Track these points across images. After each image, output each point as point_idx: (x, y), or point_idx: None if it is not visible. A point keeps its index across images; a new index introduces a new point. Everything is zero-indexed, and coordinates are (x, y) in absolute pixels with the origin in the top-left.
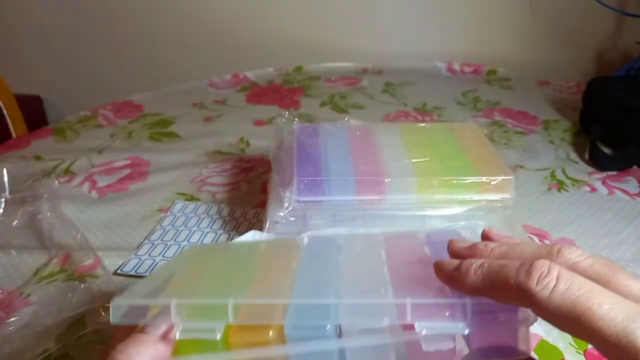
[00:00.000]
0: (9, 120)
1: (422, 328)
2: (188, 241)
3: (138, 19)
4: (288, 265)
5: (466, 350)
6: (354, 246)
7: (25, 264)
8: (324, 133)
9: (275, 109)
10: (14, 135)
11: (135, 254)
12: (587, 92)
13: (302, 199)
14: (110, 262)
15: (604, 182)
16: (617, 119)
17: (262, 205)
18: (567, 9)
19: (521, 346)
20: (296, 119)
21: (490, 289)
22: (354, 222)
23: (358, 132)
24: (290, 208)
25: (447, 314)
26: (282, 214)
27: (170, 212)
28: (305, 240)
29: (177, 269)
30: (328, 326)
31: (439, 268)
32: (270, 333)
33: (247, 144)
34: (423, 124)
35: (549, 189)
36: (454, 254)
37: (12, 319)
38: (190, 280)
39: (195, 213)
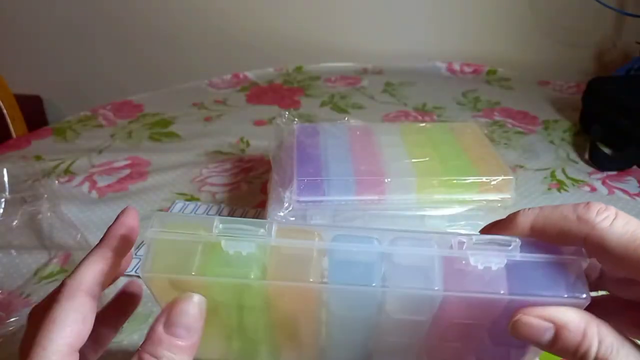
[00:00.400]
0: (9, 120)
1: (474, 256)
2: None
3: (138, 19)
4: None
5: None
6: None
7: (25, 264)
8: (324, 133)
9: (275, 109)
10: (14, 135)
11: (135, 254)
12: (587, 92)
13: (302, 199)
14: None
15: (604, 182)
16: (617, 119)
17: (262, 205)
18: (567, 9)
19: (575, 293)
20: (296, 119)
21: (543, 227)
22: (354, 222)
23: (358, 132)
24: (290, 208)
25: (496, 246)
26: (282, 214)
27: (171, 212)
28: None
29: None
30: (375, 242)
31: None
32: (316, 238)
33: (247, 144)
34: (423, 124)
35: (549, 189)
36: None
37: (12, 319)
38: None
39: (195, 213)
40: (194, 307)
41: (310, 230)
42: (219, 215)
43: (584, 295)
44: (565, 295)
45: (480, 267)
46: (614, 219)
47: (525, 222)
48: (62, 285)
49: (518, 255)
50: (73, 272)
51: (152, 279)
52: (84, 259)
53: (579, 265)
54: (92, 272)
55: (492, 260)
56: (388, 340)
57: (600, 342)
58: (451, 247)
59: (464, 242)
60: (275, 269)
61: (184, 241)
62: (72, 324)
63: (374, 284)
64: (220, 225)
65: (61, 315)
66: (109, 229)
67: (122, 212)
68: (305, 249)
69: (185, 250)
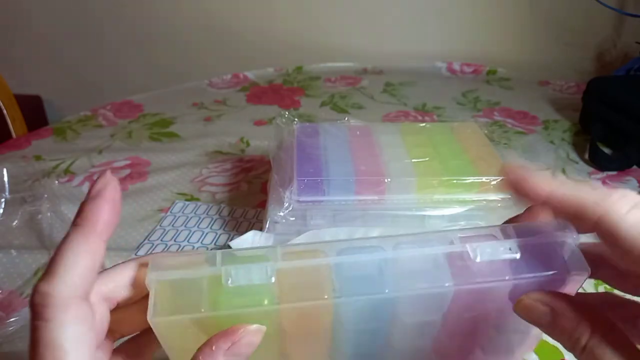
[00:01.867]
0: (9, 120)
1: (475, 249)
2: (188, 241)
3: (138, 19)
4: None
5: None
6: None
7: (25, 264)
8: (324, 133)
9: (275, 109)
10: (14, 135)
11: (135, 254)
12: (587, 92)
13: (302, 199)
14: (110, 262)
15: (604, 182)
16: (617, 119)
17: (262, 205)
18: (567, 9)
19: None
20: (296, 119)
21: (560, 200)
22: (354, 222)
23: (358, 132)
24: (290, 208)
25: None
26: (282, 214)
27: (170, 212)
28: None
29: None
30: (379, 250)
31: (508, 166)
32: (321, 255)
33: (247, 144)
34: (423, 124)
35: None
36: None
37: (12, 319)
38: None
39: (195, 213)
40: (258, 338)
41: (314, 250)
42: (219, 214)
43: (584, 270)
44: (569, 272)
45: (481, 260)
46: (632, 208)
47: (549, 185)
48: (45, 297)
49: (515, 246)
50: (52, 275)
51: (160, 323)
52: (60, 254)
53: (571, 242)
54: (79, 272)
55: (497, 254)
56: (400, 346)
57: (592, 333)
58: (452, 242)
59: (464, 237)
60: (287, 292)
61: (188, 279)
62: (80, 341)
63: (386, 291)
64: (223, 258)
65: (63, 336)
66: (86, 206)
67: (101, 181)
68: (313, 267)
69: (190, 288)
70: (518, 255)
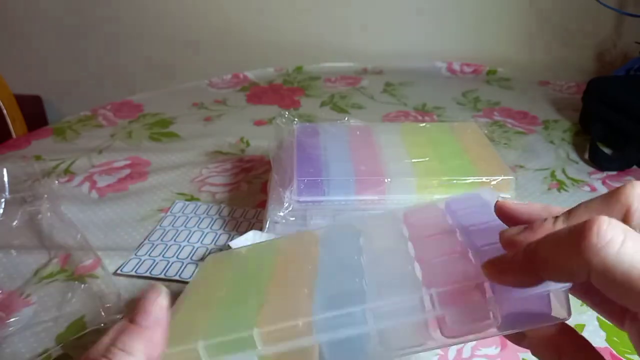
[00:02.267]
0: (9, 120)
1: (453, 323)
2: (188, 241)
3: (138, 19)
4: (307, 256)
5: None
6: (373, 227)
7: (25, 264)
8: (324, 133)
9: (275, 109)
10: (14, 135)
11: (135, 254)
12: (587, 92)
13: (302, 199)
14: (110, 262)
15: (604, 182)
16: (617, 119)
17: (262, 205)
18: (567, 9)
19: (556, 311)
20: (296, 119)
21: (541, 263)
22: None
23: (358, 132)
24: (290, 208)
25: (476, 299)
26: (282, 214)
27: (170, 212)
28: (322, 231)
29: (195, 283)
30: (361, 310)
31: (488, 264)
32: (300, 323)
33: (247, 144)
34: (423, 124)
35: (549, 189)
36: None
37: (12, 319)
38: (208, 293)
39: (195, 213)
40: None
41: (295, 325)
42: (219, 214)
43: (565, 316)
44: (547, 323)
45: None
46: (623, 241)
47: (522, 263)
48: None
49: (497, 310)
50: None
51: None
52: None
53: (560, 288)
54: None
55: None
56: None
57: (560, 356)
58: (432, 305)
59: (442, 293)
60: None
61: None
62: None
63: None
64: (208, 351)
65: None
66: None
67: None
68: (295, 351)
69: None
70: (499, 322)
